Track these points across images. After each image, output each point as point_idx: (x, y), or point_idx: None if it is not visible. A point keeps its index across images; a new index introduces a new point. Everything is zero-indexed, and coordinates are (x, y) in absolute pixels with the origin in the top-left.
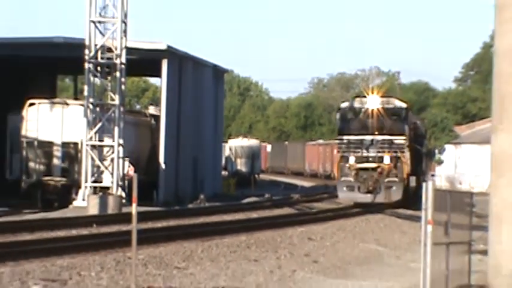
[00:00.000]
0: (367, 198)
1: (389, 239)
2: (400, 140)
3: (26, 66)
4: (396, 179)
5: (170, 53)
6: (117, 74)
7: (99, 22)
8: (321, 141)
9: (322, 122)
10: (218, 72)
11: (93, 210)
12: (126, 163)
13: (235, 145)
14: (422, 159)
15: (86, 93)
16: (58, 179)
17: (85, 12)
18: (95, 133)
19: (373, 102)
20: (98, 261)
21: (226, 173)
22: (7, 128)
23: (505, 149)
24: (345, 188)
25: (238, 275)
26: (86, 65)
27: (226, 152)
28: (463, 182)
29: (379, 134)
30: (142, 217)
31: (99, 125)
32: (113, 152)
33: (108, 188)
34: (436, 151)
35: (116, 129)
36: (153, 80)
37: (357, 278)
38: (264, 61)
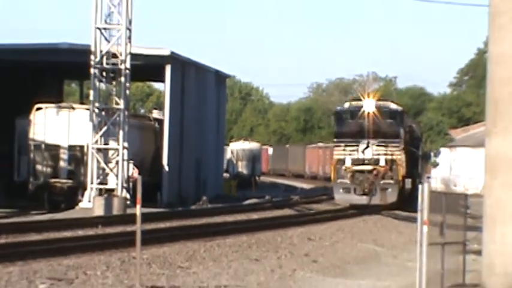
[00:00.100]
0: (363, 200)
1: (386, 239)
2: (395, 142)
3: (34, 71)
4: (392, 181)
5: (173, 58)
6: (122, 79)
7: (105, 29)
8: (321, 144)
9: (321, 125)
10: (220, 78)
11: (99, 211)
12: (131, 165)
13: (236, 148)
14: (418, 162)
15: (91, 97)
16: (64, 181)
17: (91, 19)
18: (101, 136)
19: (369, 106)
20: (104, 260)
21: (228, 175)
22: (15, 132)
23: (498, 152)
24: (341, 190)
25: (240, 274)
26: (92, 71)
27: (228, 154)
28: (458, 184)
29: (374, 137)
30: (146, 218)
31: (104, 128)
32: (117, 155)
33: (113, 190)
34: (432, 154)
35: (121, 132)
36: (156, 85)
37: (355, 277)
38: (265, 67)
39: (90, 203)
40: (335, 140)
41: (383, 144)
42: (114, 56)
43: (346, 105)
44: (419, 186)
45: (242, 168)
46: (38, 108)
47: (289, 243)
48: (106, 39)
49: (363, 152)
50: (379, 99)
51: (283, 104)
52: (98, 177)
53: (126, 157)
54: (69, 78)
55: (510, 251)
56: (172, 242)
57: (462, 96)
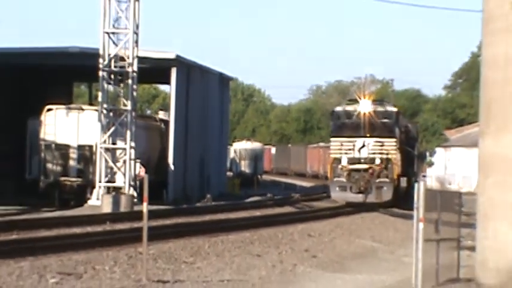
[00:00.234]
0: (359, 198)
1: (383, 236)
2: (390, 142)
3: (45, 74)
4: (387, 180)
5: (179, 62)
6: (129, 81)
7: (113, 33)
8: (321, 144)
9: (320, 126)
10: (224, 80)
11: (107, 208)
12: (138, 164)
13: (239, 148)
14: (413, 161)
15: (100, 99)
16: (74, 179)
17: (99, 24)
18: (109, 136)
19: (365, 106)
20: (111, 256)
21: (231, 173)
22: (27, 132)
23: (491, 152)
24: (337, 188)
25: (242, 269)
26: (100, 73)
27: (231, 154)
28: (452, 183)
29: (370, 137)
30: (152, 215)
31: (112, 129)
32: (125, 154)
33: (120, 188)
34: (427, 153)
35: (128, 132)
36: (162, 87)
37: (353, 272)
38: (267, 69)
39: (98, 201)
40: (332, 139)
41: (378, 143)
42: (122, 59)
43: (343, 105)
44: (416, 184)
45: (245, 167)
46: (49, 110)
47: (290, 240)
48: (114, 43)
49: (359, 151)
50: (374, 100)
51: (284, 106)
52: (106, 176)
53: (133, 156)
54: (79, 81)
55: (503, 247)
56: (178, 238)
57: (456, 98)
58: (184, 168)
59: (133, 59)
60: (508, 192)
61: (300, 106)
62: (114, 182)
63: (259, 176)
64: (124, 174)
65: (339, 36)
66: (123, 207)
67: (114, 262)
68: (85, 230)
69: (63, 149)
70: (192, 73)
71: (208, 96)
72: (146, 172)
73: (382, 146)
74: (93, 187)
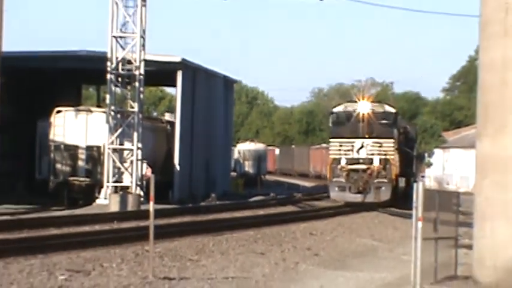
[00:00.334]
0: (358, 198)
1: (383, 234)
2: (389, 143)
3: (54, 77)
4: (385, 180)
5: (184, 65)
6: (136, 84)
7: (120, 37)
8: (324, 145)
9: (322, 127)
10: (228, 83)
11: (114, 207)
12: (144, 165)
13: (243, 149)
14: (412, 162)
15: (107, 101)
16: (82, 179)
17: (107, 28)
18: (116, 137)
19: (363, 107)
20: (119, 253)
21: (235, 174)
22: (37, 133)
23: (488, 153)
24: (336, 189)
25: (246, 267)
26: (108, 76)
27: (235, 155)
28: (450, 183)
29: (369, 137)
30: (158, 214)
31: (119, 130)
32: (132, 155)
33: (128, 188)
34: (426, 154)
35: (135, 134)
36: (168, 90)
37: (354, 270)
38: (270, 72)
39: (106, 200)
40: (331, 140)
41: (377, 144)
42: (129, 62)
43: (342, 106)
44: (414, 184)
45: (248, 167)
46: (58, 111)
47: (293, 238)
48: (121, 46)
49: (357, 151)
50: (373, 102)
51: (287, 108)
52: (113, 176)
53: (140, 157)
54: (87, 83)
55: (499, 246)
56: (183, 237)
57: (454, 100)
58: (190, 169)
59: (140, 62)
60: (505, 192)
61: (302, 108)
62: (121, 181)
63: (262, 176)
64: (131, 174)
65: (340, 40)
66: (130, 206)
67: (122, 260)
68: (93, 228)
69: (72, 150)
70: (197, 76)
71: (213, 98)
72: (153, 172)
73: (380, 146)
74: (101, 187)
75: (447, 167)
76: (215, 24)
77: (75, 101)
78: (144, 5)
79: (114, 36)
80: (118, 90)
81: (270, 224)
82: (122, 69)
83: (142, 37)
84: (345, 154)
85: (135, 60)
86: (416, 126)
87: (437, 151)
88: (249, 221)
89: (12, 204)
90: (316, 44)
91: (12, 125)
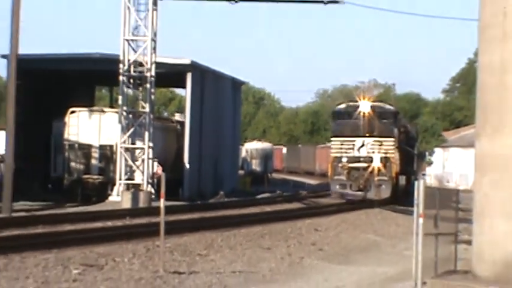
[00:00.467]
0: (358, 195)
1: (385, 230)
2: (389, 141)
3: (68, 78)
4: (386, 178)
5: (194, 67)
6: (147, 85)
7: (132, 40)
8: (329, 144)
9: (327, 127)
10: (236, 84)
11: (126, 204)
12: (155, 163)
13: (250, 148)
14: (413, 160)
15: (120, 102)
16: (96, 177)
17: (120, 31)
18: (128, 137)
19: (364, 107)
20: (131, 248)
21: (243, 172)
22: (52, 133)
23: (487, 152)
24: (337, 186)
25: (253, 261)
26: (120, 78)
27: (243, 153)
28: (450, 181)
29: (369, 136)
30: (169, 210)
31: (131, 129)
32: (143, 154)
33: (139, 185)
34: (427, 153)
35: (146, 133)
36: (178, 91)
37: (358, 264)
38: (276, 74)
39: (118, 197)
40: (332, 138)
41: (377, 142)
42: (141, 64)
43: (343, 106)
44: (415, 182)
45: (255, 165)
46: (72, 112)
47: (298, 234)
48: (133, 49)
49: (358, 150)
50: (374, 101)
51: (292, 108)
52: (125, 174)
53: (151, 156)
54: (100, 85)
55: (497, 241)
56: (193, 232)
57: (454, 101)
58: (199, 167)
59: (151, 64)
60: (503, 189)
61: (307, 109)
62: (133, 179)
63: (269, 174)
64: (142, 172)
65: (344, 43)
66: (142, 203)
67: (133, 254)
68: (106, 224)
69: (85, 149)
70: (206, 78)
71: (222, 99)
72: (163, 170)
73: (381, 145)
74: (114, 184)
75: (447, 165)
76: (223, 27)
77: (88, 101)
78: (155, 9)
79: (126, 39)
80: (130, 91)
81: (276, 220)
82: (134, 71)
83: (154, 40)
84: (346, 152)
85: (147, 63)
86: (417, 125)
87: (437, 150)
88: (256, 217)
89: (29, 201)
90: (321, 47)
91: (28, 125)
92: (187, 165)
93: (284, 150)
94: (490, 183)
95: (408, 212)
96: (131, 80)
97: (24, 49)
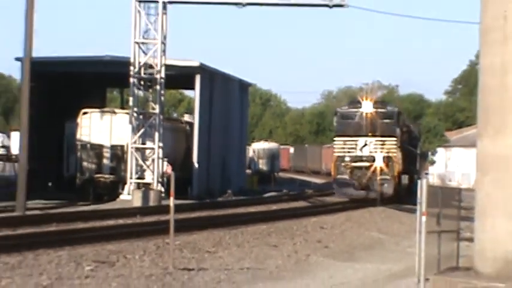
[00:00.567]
0: (361, 194)
1: (389, 228)
2: (391, 141)
3: (80, 81)
4: (388, 177)
5: (202, 69)
6: (157, 87)
7: (142, 43)
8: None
9: (332, 128)
10: (243, 86)
11: (137, 202)
12: (165, 163)
13: (257, 148)
14: (415, 159)
15: (130, 103)
16: (107, 176)
17: (131, 35)
18: (139, 137)
19: (367, 107)
20: (141, 246)
21: (250, 171)
22: (64, 134)
23: (488, 152)
24: (340, 185)
25: (260, 258)
26: (131, 80)
27: (250, 153)
28: (453, 180)
29: (372, 136)
30: (178, 209)
31: (142, 130)
32: (153, 153)
33: (149, 184)
34: (430, 153)
35: (156, 134)
36: (187, 92)
37: (362, 261)
38: (283, 76)
39: (129, 196)
40: (335, 138)
41: (380, 142)
42: (151, 67)
43: (346, 106)
44: (419, 181)
45: (262, 165)
46: (84, 113)
47: (304, 231)
48: (143, 52)
49: (361, 149)
50: (376, 101)
51: (298, 109)
52: (136, 173)
53: (161, 155)
54: (111, 87)
55: (498, 239)
56: (201, 230)
57: (456, 102)
58: (208, 166)
59: (161, 66)
60: (504, 189)
61: (313, 110)
62: (143, 178)
63: (275, 174)
64: (153, 172)
65: (349, 46)
66: (152, 202)
67: (144, 252)
68: (117, 222)
69: (97, 149)
70: (214, 79)
71: (229, 100)
72: (173, 170)
73: (383, 144)
74: (125, 183)
75: (449, 164)
76: (231, 30)
77: (100, 103)
78: (165, 13)
79: (136, 42)
80: (140, 93)
81: (282, 218)
82: (144, 73)
83: (163, 43)
84: (349, 152)
85: (156, 65)
86: (420, 125)
87: (440, 150)
88: (263, 215)
89: (42, 200)
90: (326, 49)
91: (41, 126)
92: (196, 165)
93: (291, 150)
94: (492, 183)
95: (411, 211)
96: (141, 82)
97: (38, 52)
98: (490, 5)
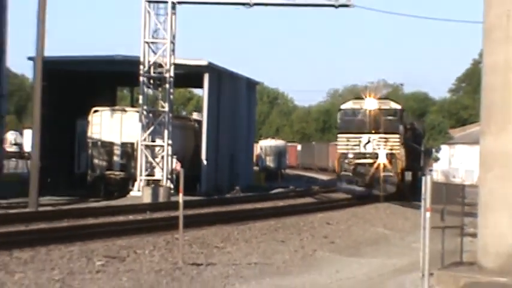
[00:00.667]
0: (364, 191)
1: (394, 224)
2: (394, 138)
3: (91, 79)
4: (391, 174)
5: (210, 68)
6: (167, 85)
7: (152, 43)
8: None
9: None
10: (251, 84)
11: (147, 199)
12: (174, 160)
13: (265, 145)
14: (419, 156)
15: (140, 101)
16: (118, 173)
17: (140, 34)
18: (148, 135)
19: (370, 104)
20: (151, 241)
21: (257, 168)
22: (76, 131)
23: (491, 149)
24: (344, 182)
25: (268, 254)
26: (141, 79)
27: (258, 150)
28: (456, 176)
29: (375, 133)
30: (187, 205)
31: (151, 128)
32: (163, 151)
33: (159, 181)
34: (434, 150)
35: (166, 131)
36: (196, 91)
37: (368, 256)
38: (290, 75)
39: (139, 192)
40: (338, 135)
41: (383, 139)
42: (160, 66)
43: (349, 103)
44: (423, 178)
45: (270, 162)
46: (95, 111)
47: (310, 227)
48: (153, 51)
49: (364, 146)
50: (379, 98)
51: (305, 107)
52: (146, 170)
53: (170, 153)
54: (122, 85)
55: (501, 234)
56: (210, 226)
57: (460, 100)
58: (216, 163)
59: (170, 65)
60: (507, 184)
61: (319, 108)
62: (153, 175)
63: (282, 170)
64: (162, 169)
65: (355, 45)
66: (161, 198)
67: (154, 247)
68: (127, 218)
69: (108, 146)
70: (222, 78)
71: (237, 98)
72: (182, 167)
73: (386, 141)
74: (135, 180)
75: (453, 161)
76: (239, 29)
77: (110, 101)
78: (174, 13)
79: (146, 42)
80: (150, 91)
81: (289, 214)
82: (154, 72)
83: (172, 42)
84: (352, 149)
85: (166, 64)
86: (424, 122)
87: (444, 147)
88: (270, 211)
89: (54, 196)
90: (332, 48)
91: (53, 124)
92: (204, 162)
93: (299, 147)
94: (495, 179)
95: (416, 207)
96: (151, 81)
97: (50, 51)
98: (494, 4)
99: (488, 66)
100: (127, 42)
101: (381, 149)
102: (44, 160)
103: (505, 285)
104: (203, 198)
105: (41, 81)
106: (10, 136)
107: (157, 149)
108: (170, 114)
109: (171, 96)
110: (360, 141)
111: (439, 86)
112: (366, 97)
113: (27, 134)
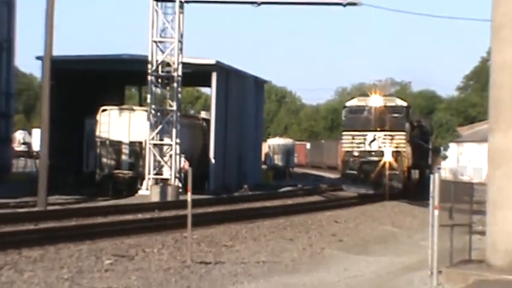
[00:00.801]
0: (370, 189)
1: (402, 222)
2: (400, 135)
3: (100, 78)
4: (397, 172)
5: (218, 67)
6: (175, 84)
7: (160, 42)
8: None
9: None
10: (258, 83)
11: (155, 198)
12: (182, 159)
13: (273, 143)
14: (426, 154)
15: (148, 100)
16: (126, 172)
17: (148, 33)
18: (156, 134)
19: (375, 101)
20: (160, 240)
21: (266, 166)
22: (84, 130)
23: (500, 146)
24: (349, 180)
25: (276, 252)
26: (149, 78)
27: (266, 149)
28: (464, 174)
29: (380, 130)
30: (195, 203)
31: (159, 127)
32: (171, 150)
33: (167, 180)
34: (442, 148)
35: (174, 130)
36: (204, 90)
37: (376, 254)
38: (298, 73)
39: (147, 191)
40: (344, 133)
41: (389, 137)
42: (168, 65)
43: (355, 100)
44: (431, 176)
45: (278, 160)
46: (104, 110)
47: (319, 225)
48: (161, 50)
49: (369, 144)
50: (385, 95)
51: (313, 105)
52: (154, 169)
53: (178, 151)
54: (130, 84)
55: (510, 231)
56: (218, 224)
57: (468, 98)
58: (224, 162)
59: (178, 64)
60: None
61: (327, 106)
62: (161, 174)
63: (290, 169)
64: (170, 167)
65: (363, 43)
66: (170, 197)
67: (162, 245)
68: (136, 217)
69: (116, 145)
70: (230, 77)
71: (245, 97)
72: (190, 165)
73: (392, 139)
74: (143, 179)
75: (461, 159)
76: (247, 28)
77: (119, 100)
78: (182, 12)
79: (154, 41)
80: (158, 90)
81: (297, 212)
82: (162, 71)
83: (180, 41)
84: (358, 147)
85: (174, 63)
86: (431, 120)
87: (452, 145)
88: (279, 209)
89: (63, 195)
90: (340, 47)
91: (61, 123)
92: (212, 160)
93: (308, 145)
94: (503, 177)
95: (424, 204)
96: (159, 80)
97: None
98: (502, 3)
99: (496, 64)
100: (135, 41)
101: (387, 147)
102: (52, 159)
103: None
104: (211, 196)
105: (49, 80)
106: (19, 135)
107: (165, 147)
108: (178, 113)
109: (179, 95)
110: (365, 139)
111: (447, 84)
112: (371, 94)
113: (36, 133)
